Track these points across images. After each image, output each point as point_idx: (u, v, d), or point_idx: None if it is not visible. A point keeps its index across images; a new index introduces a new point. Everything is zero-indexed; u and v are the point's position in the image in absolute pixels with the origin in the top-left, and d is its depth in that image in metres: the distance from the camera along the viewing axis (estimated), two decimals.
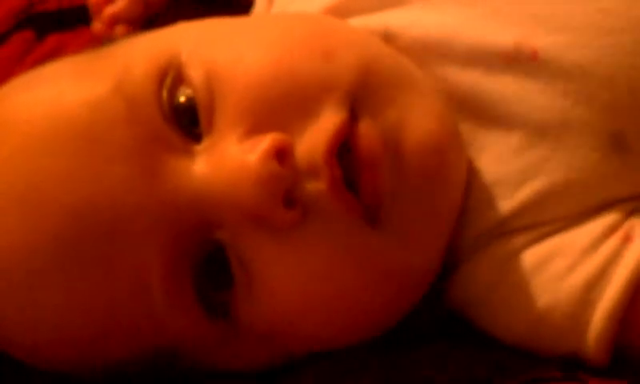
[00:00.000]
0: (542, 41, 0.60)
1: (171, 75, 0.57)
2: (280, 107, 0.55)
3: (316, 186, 0.54)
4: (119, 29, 0.81)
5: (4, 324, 0.59)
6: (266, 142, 0.54)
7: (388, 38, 0.63)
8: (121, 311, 0.56)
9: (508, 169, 0.60)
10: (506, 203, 0.60)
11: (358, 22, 0.65)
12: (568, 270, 0.58)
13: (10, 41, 0.86)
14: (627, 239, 0.58)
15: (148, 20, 0.84)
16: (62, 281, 0.56)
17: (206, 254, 0.56)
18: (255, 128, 0.55)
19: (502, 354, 0.60)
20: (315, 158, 0.54)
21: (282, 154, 0.54)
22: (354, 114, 0.56)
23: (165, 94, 0.57)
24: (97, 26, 0.83)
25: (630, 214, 0.59)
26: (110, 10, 0.82)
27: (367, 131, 0.55)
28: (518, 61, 0.60)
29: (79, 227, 0.55)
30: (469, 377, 0.58)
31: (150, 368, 0.59)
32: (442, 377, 0.59)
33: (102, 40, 0.82)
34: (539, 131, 0.59)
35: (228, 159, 0.54)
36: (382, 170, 0.55)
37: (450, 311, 0.63)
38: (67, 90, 0.58)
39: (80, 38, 0.86)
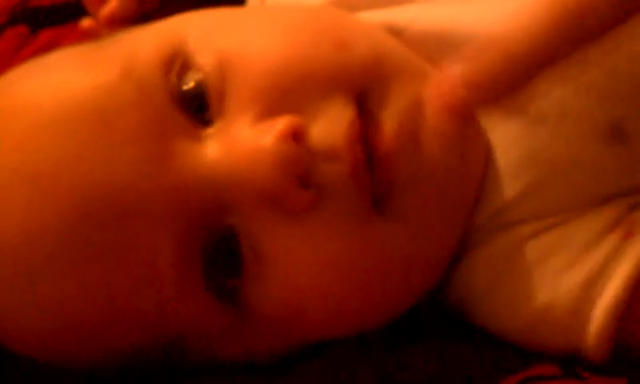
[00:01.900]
0: None
1: (178, 62, 0.57)
2: (292, 92, 0.56)
3: (335, 169, 0.54)
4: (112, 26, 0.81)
5: (8, 311, 0.58)
6: (282, 123, 0.54)
7: (394, 32, 0.63)
8: (130, 297, 0.56)
9: (507, 157, 0.60)
10: (506, 191, 0.60)
11: (362, 17, 0.64)
12: (568, 266, 0.58)
13: (4, 36, 0.86)
14: (628, 235, 0.58)
15: (143, 17, 0.83)
16: (70, 265, 0.55)
17: (216, 240, 0.56)
18: (267, 112, 0.55)
19: (500, 351, 0.60)
20: (334, 141, 0.54)
21: (297, 136, 0.54)
22: (365, 104, 0.56)
23: (172, 79, 0.57)
24: (86, 22, 0.83)
25: (631, 209, 0.59)
26: (105, 11, 0.82)
27: (382, 121, 0.56)
28: None
29: (89, 211, 0.54)
30: (468, 374, 0.58)
31: (156, 358, 0.59)
32: (441, 373, 0.58)
33: (93, 36, 0.82)
34: (539, 120, 0.59)
35: (242, 142, 0.55)
36: (395, 161, 0.55)
37: (443, 309, 0.63)
38: (74, 76, 0.59)
39: (74, 32, 0.85)
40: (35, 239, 0.55)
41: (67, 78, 0.58)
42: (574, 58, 0.58)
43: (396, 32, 0.63)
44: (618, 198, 0.59)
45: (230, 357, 0.60)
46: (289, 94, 0.56)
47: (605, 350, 0.58)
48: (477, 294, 0.61)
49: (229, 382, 0.60)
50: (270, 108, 0.55)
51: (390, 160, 0.55)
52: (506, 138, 0.60)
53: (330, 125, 0.55)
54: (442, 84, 0.55)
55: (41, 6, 0.88)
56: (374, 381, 0.58)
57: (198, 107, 0.56)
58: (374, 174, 0.55)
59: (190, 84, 0.57)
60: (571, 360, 0.59)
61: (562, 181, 0.59)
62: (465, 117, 0.58)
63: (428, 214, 0.57)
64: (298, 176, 0.54)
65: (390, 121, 0.56)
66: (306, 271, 0.55)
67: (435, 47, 0.62)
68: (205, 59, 0.57)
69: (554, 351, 0.59)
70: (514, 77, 0.53)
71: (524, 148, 0.59)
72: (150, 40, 0.59)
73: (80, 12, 0.83)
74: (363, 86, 0.56)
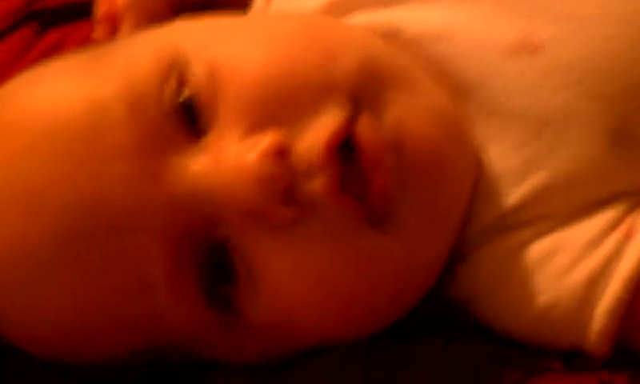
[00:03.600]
0: (543, 34, 0.60)
1: (174, 73, 0.57)
2: (281, 106, 0.56)
3: (314, 185, 0.54)
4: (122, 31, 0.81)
5: (5, 318, 0.60)
6: (265, 141, 0.54)
7: (392, 33, 0.63)
8: (123, 308, 0.56)
9: (510, 162, 0.60)
10: (508, 197, 0.60)
11: (359, 18, 0.65)
12: (570, 266, 0.59)
13: (12, 36, 0.86)
14: (629, 235, 0.58)
15: None
16: (62, 279, 0.56)
17: (209, 249, 0.56)
18: (256, 126, 0.55)
19: (505, 346, 0.60)
20: (314, 157, 0.54)
21: (280, 153, 0.54)
22: (354, 114, 0.56)
23: (168, 91, 0.57)
24: (97, 33, 0.83)
25: (632, 208, 0.59)
26: (120, 35, 0.82)
27: (369, 131, 0.55)
28: (521, 54, 0.60)
29: (79, 226, 0.55)
30: (472, 368, 0.59)
31: (154, 361, 0.60)
32: (446, 369, 0.59)
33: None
34: (541, 124, 0.60)
35: (228, 157, 0.55)
36: (385, 169, 0.55)
37: (448, 306, 0.63)
38: (69, 89, 0.59)
39: (80, 31, 0.86)
40: (26, 254, 0.56)
41: (63, 92, 0.59)
42: (576, 62, 0.59)
43: (394, 33, 0.63)
44: (620, 198, 0.59)
45: (228, 359, 0.60)
46: (278, 107, 0.56)
47: (607, 348, 0.58)
48: (480, 294, 0.61)
49: (230, 380, 0.61)
50: (258, 122, 0.55)
51: (376, 172, 0.55)
52: (508, 142, 0.60)
53: (314, 138, 0.55)
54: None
55: (48, 6, 0.88)
56: (378, 378, 0.59)
57: (192, 118, 0.56)
58: (369, 187, 0.55)
59: (184, 95, 0.57)
60: (574, 355, 0.59)
61: (564, 185, 0.59)
62: (449, 126, 0.58)
63: (420, 224, 0.57)
64: (280, 193, 0.54)
65: (376, 130, 0.55)
66: (294, 284, 0.55)
67: (433, 48, 0.62)
68: (197, 71, 0.57)
69: (556, 348, 0.60)
70: None
71: (526, 152, 0.60)
72: (147, 51, 0.59)
73: (86, 11, 0.84)
74: (354, 96, 0.56)
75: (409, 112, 0.57)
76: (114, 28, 0.80)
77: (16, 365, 0.63)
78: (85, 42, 0.83)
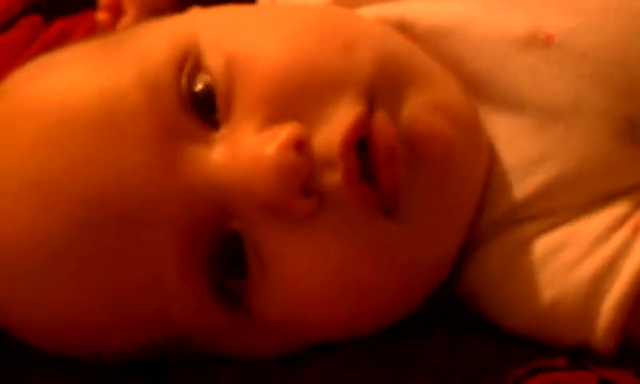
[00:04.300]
0: (556, 25, 0.60)
1: (190, 62, 0.57)
2: (298, 98, 0.55)
3: (332, 178, 0.54)
4: (124, 20, 0.81)
5: (11, 309, 0.59)
6: (284, 132, 0.54)
7: (404, 26, 0.63)
8: (134, 300, 0.56)
9: (521, 155, 0.60)
10: (519, 190, 0.60)
11: (371, 11, 0.65)
12: (578, 261, 0.59)
13: (17, 26, 0.86)
14: (637, 230, 0.58)
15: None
16: (75, 268, 0.55)
17: (221, 242, 0.56)
18: (273, 118, 0.55)
19: (509, 342, 0.60)
20: (332, 149, 0.54)
21: (299, 145, 0.54)
22: (371, 107, 0.56)
23: (184, 81, 0.56)
24: (101, 15, 0.83)
25: None
26: (121, 24, 0.82)
27: (384, 125, 0.55)
28: (533, 46, 0.60)
29: (94, 215, 0.55)
30: (478, 364, 0.59)
31: (161, 356, 0.60)
32: (451, 364, 0.59)
33: (106, 28, 0.82)
34: (553, 117, 0.60)
35: (245, 149, 0.54)
36: (397, 162, 0.55)
37: (454, 301, 0.63)
38: (82, 77, 0.58)
39: (86, 21, 0.86)
40: (39, 243, 0.55)
41: (76, 80, 0.58)
42: (589, 54, 0.59)
43: (406, 26, 0.63)
44: (628, 193, 0.59)
45: (236, 354, 0.60)
46: (295, 99, 0.55)
47: (613, 345, 0.58)
48: (487, 288, 0.61)
49: (241, 370, 0.60)
50: (275, 114, 0.55)
51: (391, 163, 0.55)
52: (520, 134, 0.60)
53: (332, 131, 0.55)
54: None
55: None
56: (385, 373, 0.59)
57: (208, 108, 0.56)
58: (379, 178, 0.55)
59: (199, 86, 0.56)
60: (579, 352, 0.59)
61: (574, 178, 0.59)
62: (464, 119, 0.58)
63: (433, 215, 0.57)
64: (299, 184, 0.54)
65: (391, 124, 0.55)
66: (309, 277, 0.55)
67: (445, 42, 0.62)
68: (214, 61, 0.57)
69: (563, 345, 0.60)
70: None
71: (537, 145, 0.60)
72: (163, 40, 0.58)
73: (92, 1, 0.84)
74: (371, 88, 0.56)
75: (424, 107, 0.57)
76: (116, 17, 0.80)
77: (15, 359, 0.63)
78: (91, 32, 0.83)
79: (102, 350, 0.59)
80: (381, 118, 0.55)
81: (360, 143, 0.55)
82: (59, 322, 0.58)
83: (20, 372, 0.63)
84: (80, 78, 0.58)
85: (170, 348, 0.59)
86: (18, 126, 0.58)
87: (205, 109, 0.56)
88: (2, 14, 0.87)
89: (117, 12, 0.81)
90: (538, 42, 0.60)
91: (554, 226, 0.59)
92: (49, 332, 0.59)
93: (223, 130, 0.56)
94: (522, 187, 0.60)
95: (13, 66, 0.68)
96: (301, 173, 0.54)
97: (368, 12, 0.65)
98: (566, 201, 0.59)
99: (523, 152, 0.60)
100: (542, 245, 0.59)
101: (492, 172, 0.60)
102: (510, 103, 0.60)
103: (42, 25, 0.86)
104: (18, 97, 0.60)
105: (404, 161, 0.55)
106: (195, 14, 0.63)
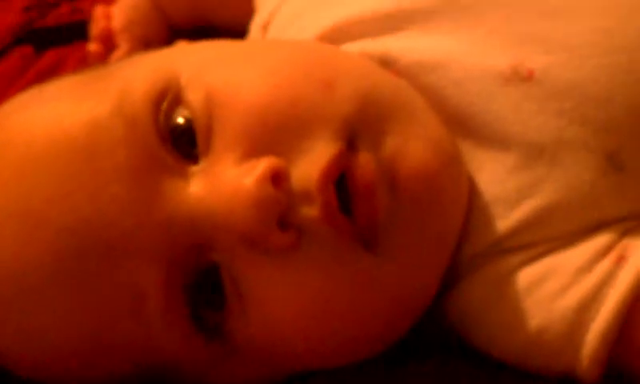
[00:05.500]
0: (538, 61, 0.61)
1: (169, 97, 0.57)
2: (277, 133, 0.56)
3: (310, 211, 0.55)
4: (117, 53, 0.81)
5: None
6: (262, 165, 0.54)
7: (387, 62, 0.63)
8: (115, 330, 0.56)
9: (504, 188, 0.60)
10: (502, 223, 0.60)
11: (355, 46, 0.65)
12: (562, 291, 0.59)
13: (9, 56, 0.87)
14: (621, 260, 0.59)
15: None
16: (56, 299, 0.56)
17: (201, 274, 0.56)
18: (252, 152, 0.55)
19: (497, 370, 0.61)
20: (310, 183, 0.55)
21: (277, 178, 0.54)
22: (351, 143, 0.56)
23: (161, 115, 0.57)
24: (92, 46, 0.83)
25: (624, 234, 0.60)
26: (115, 57, 0.83)
27: (363, 162, 0.56)
28: (514, 81, 0.61)
29: (75, 247, 0.55)
30: None
31: (146, 381, 0.60)
32: None
33: (97, 60, 0.83)
34: (535, 151, 0.60)
35: (224, 182, 0.55)
36: (376, 199, 0.55)
37: (442, 328, 0.63)
38: (66, 110, 0.59)
39: (78, 52, 0.86)
40: (23, 273, 0.56)
41: (60, 113, 0.58)
42: (570, 89, 0.60)
43: (389, 62, 0.63)
44: (611, 225, 0.60)
45: (221, 383, 0.60)
46: (274, 133, 0.56)
47: (598, 373, 0.59)
48: (473, 318, 0.61)
49: None
50: (254, 148, 0.55)
51: (368, 200, 0.55)
52: (503, 168, 0.61)
53: (310, 165, 0.55)
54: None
55: (46, 26, 0.88)
56: None
57: (187, 143, 0.57)
58: (355, 213, 0.55)
59: (179, 120, 0.57)
60: (566, 380, 0.60)
61: (558, 210, 0.59)
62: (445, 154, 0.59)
63: (413, 248, 0.57)
64: (277, 217, 0.54)
65: (371, 161, 0.56)
66: (287, 309, 0.56)
67: (428, 77, 0.62)
68: (194, 95, 0.57)
69: (550, 372, 0.60)
70: None
71: (521, 178, 0.60)
72: (144, 73, 0.59)
73: (84, 33, 0.85)
74: (350, 125, 0.56)
75: (405, 142, 0.57)
76: (108, 49, 0.81)
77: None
78: (83, 63, 0.83)
79: (87, 379, 0.59)
80: (361, 155, 0.56)
81: (340, 178, 0.55)
82: (45, 350, 0.58)
83: None
84: (64, 110, 0.59)
85: (157, 378, 0.59)
86: (5, 157, 0.58)
87: (184, 142, 0.57)
88: None
89: (108, 43, 0.82)
90: (521, 77, 0.61)
91: (537, 257, 0.60)
92: (33, 360, 0.59)
93: (202, 164, 0.56)
94: (506, 220, 0.60)
95: (4, 96, 0.68)
96: (278, 206, 0.54)
97: (353, 47, 0.65)
98: (550, 233, 0.60)
99: (507, 185, 0.60)
100: (526, 275, 0.60)
101: (473, 205, 0.61)
102: (493, 138, 0.61)
103: (33, 56, 0.87)
104: (6, 128, 0.60)
105: (385, 194, 0.56)
106: (180, 49, 0.64)
